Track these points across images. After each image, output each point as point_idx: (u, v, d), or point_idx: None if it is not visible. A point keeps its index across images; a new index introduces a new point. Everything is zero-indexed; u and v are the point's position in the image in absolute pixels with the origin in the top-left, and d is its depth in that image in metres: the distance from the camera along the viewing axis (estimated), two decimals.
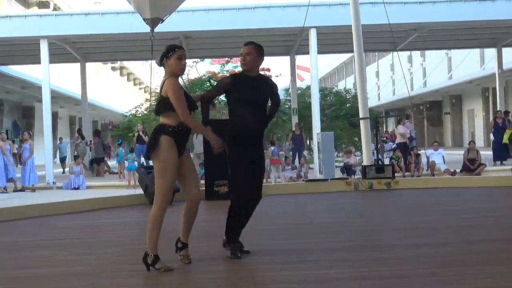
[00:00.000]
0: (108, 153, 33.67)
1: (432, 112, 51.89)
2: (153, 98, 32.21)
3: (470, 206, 10.73)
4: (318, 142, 18.32)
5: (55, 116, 39.20)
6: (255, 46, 6.85)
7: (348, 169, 18.23)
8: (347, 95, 38.63)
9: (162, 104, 6.19)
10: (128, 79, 68.67)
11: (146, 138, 22.63)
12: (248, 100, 6.59)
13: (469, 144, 20.23)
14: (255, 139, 6.73)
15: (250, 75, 6.77)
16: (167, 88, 6.16)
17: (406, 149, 20.10)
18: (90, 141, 25.22)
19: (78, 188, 18.81)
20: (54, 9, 43.27)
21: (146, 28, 13.63)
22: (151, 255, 6.07)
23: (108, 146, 34.24)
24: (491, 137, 22.45)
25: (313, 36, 20.85)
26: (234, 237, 6.70)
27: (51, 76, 21.59)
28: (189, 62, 30.66)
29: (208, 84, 31.91)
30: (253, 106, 6.60)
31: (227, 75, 32.52)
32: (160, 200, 6.07)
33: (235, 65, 34.44)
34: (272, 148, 20.51)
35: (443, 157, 19.66)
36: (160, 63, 6.35)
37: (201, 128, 6.40)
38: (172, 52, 6.25)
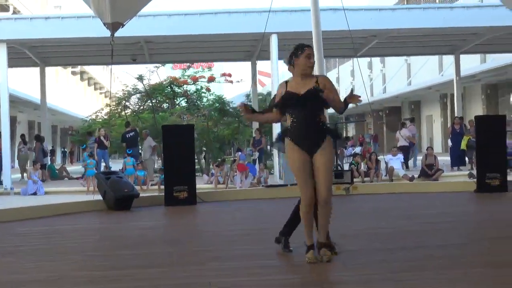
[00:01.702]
0: (52, 159, 33.29)
1: (391, 117, 52.38)
2: (113, 103, 32.02)
3: (428, 211, 10.85)
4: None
5: (13, 121, 38.68)
6: None
7: None
8: None
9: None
10: (89, 84, 68.09)
11: (107, 143, 22.47)
12: None
13: (427, 149, 20.51)
14: None
15: None
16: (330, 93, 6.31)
17: (408, 153, 20.28)
18: (34, 146, 25.02)
19: (35, 194, 18.62)
20: (14, 12, 42.78)
21: (107, 33, 13.54)
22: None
23: (52, 151, 33.77)
24: (449, 142, 22.79)
25: (274, 42, 20.92)
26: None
27: (10, 80, 21.31)
28: (150, 67, 30.55)
29: (169, 90, 31.78)
30: None
31: (188, 80, 32.49)
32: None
33: (196, 70, 34.40)
34: (239, 153, 20.58)
35: (401, 162, 19.87)
36: (289, 62, 6.42)
37: None
38: (302, 51, 6.36)
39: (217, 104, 30.47)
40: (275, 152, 19.77)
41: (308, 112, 6.28)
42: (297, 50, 6.37)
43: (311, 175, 6.31)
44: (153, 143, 22.53)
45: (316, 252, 6.35)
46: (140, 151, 23.84)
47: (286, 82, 6.49)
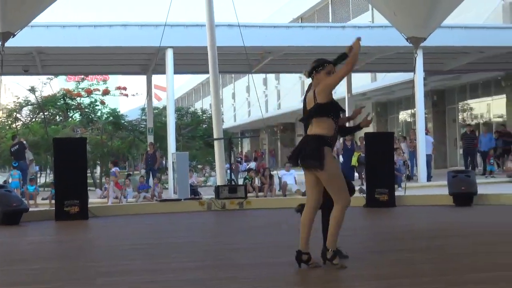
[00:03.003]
0: None
1: (285, 133, 53.09)
2: (4, 115, 31.14)
3: (319, 225, 11.04)
4: (173, 162, 18.34)
5: None
6: None
7: (194, 189, 18.22)
8: (204, 115, 38.88)
9: (317, 112, 6.56)
10: None
11: None
12: None
13: None
14: None
15: None
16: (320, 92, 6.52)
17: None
18: None
19: None
20: None
21: None
22: (330, 251, 6.63)
23: None
24: (340, 158, 23.27)
25: (169, 56, 20.92)
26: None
27: None
28: (42, 78, 29.88)
29: (62, 102, 31.17)
30: None
31: (82, 93, 31.96)
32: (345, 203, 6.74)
33: (91, 83, 33.87)
34: (113, 170, 20.44)
35: (294, 178, 20.17)
36: (309, 75, 6.70)
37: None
38: (323, 67, 6.62)
39: (112, 118, 30.11)
40: (170, 166, 19.68)
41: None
42: (318, 66, 6.66)
43: None
44: (31, 157, 22.17)
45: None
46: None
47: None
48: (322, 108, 6.55)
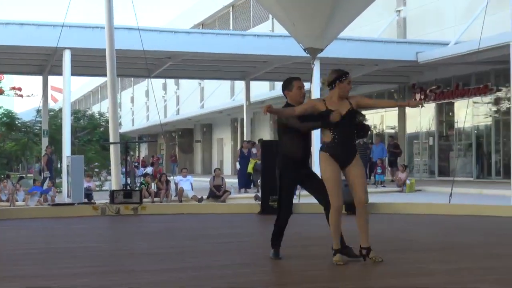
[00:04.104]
0: None
1: (184, 139, 53.01)
2: None
3: (214, 232, 11.11)
4: (67, 166, 18.00)
5: None
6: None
7: (88, 194, 17.94)
8: (101, 118, 38.35)
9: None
10: None
11: None
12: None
13: (214, 171, 21.01)
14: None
15: None
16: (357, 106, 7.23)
17: None
18: None
19: None
20: None
21: None
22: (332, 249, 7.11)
23: None
24: (237, 165, 23.47)
25: (67, 57, 20.56)
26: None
27: None
28: None
29: None
30: None
31: None
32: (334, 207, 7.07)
33: None
34: None
35: (191, 184, 20.19)
36: (330, 84, 7.13)
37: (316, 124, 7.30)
38: (345, 77, 7.14)
39: (6, 119, 29.29)
40: (64, 170, 19.31)
41: (347, 130, 7.13)
42: (341, 76, 7.12)
43: (340, 185, 7.10)
44: None
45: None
46: None
47: (324, 100, 7.18)
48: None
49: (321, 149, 7.16)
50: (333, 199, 7.04)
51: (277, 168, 7.48)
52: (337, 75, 7.15)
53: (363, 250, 7.14)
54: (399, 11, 29.86)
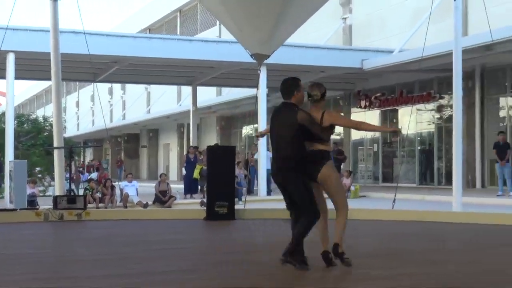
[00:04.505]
0: None
1: (130, 144, 52.66)
2: None
3: (157, 238, 11.07)
4: (10, 171, 17.68)
5: None
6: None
7: (32, 200, 17.65)
8: (46, 123, 37.83)
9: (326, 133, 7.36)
10: None
11: None
12: None
13: (160, 176, 20.93)
14: None
15: None
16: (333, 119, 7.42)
17: None
18: None
19: None
20: None
21: None
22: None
23: None
24: (183, 171, 23.40)
25: (10, 60, 20.24)
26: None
27: None
28: None
29: None
30: None
31: None
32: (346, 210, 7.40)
33: None
34: None
35: (136, 189, 20.05)
36: (322, 96, 7.37)
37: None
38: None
39: None
40: (6, 174, 18.96)
41: None
42: (325, 92, 7.41)
43: None
44: None
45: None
46: None
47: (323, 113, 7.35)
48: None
49: (329, 158, 7.39)
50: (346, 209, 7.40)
51: (293, 171, 7.19)
52: (324, 90, 7.39)
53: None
54: (345, 18, 30.19)
